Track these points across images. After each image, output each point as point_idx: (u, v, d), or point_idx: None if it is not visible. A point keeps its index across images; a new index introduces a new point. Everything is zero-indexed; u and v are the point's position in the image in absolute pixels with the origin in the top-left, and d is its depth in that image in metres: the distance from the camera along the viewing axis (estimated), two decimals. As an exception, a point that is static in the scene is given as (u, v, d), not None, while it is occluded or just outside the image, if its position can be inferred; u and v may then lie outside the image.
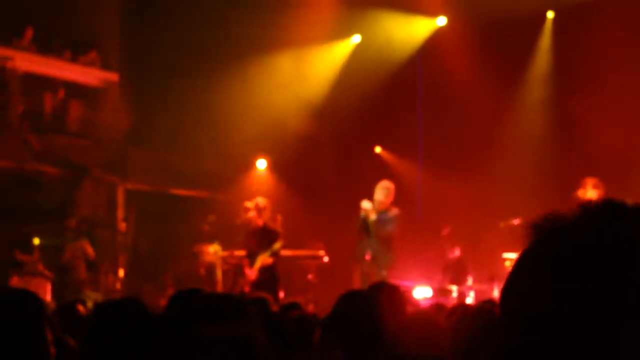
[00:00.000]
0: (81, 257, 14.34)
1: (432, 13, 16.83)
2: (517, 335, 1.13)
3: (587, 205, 1.15)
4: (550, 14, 16.46)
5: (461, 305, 4.08)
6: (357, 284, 11.92)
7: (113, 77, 16.57)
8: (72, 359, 3.92)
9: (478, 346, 3.03)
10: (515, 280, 1.17)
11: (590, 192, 10.63)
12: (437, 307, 4.71)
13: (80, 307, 5.92)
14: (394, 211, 11.55)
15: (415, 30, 17.10)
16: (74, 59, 16.29)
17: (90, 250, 14.43)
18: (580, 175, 10.98)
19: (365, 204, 11.42)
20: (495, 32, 15.81)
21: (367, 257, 11.37)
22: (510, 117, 16.15)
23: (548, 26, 16.52)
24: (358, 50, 17.28)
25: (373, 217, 11.40)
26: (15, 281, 12.92)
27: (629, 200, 1.13)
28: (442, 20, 16.97)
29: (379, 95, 17.10)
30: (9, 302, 3.22)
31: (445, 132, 16.80)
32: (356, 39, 17.40)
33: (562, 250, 1.12)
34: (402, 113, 17.36)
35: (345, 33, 17.30)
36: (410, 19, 16.84)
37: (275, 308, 5.84)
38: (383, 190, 11.54)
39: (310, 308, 12.85)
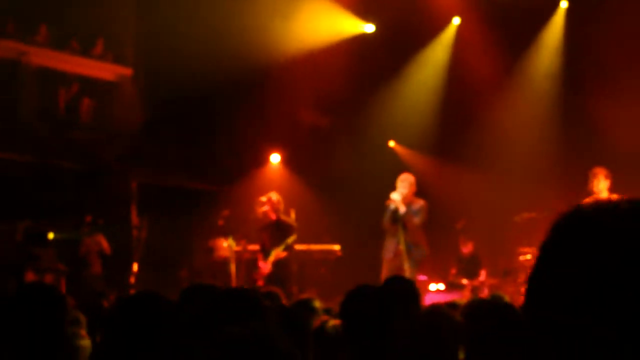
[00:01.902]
0: (97, 252, 14.42)
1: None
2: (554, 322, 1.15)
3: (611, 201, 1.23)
4: (563, 4, 16.36)
5: (476, 300, 4.07)
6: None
7: (126, 71, 16.61)
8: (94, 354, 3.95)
9: (493, 341, 3.02)
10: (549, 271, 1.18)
11: (602, 182, 10.59)
12: (450, 305, 4.69)
13: (105, 302, 5.96)
14: (420, 202, 11.44)
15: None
16: (86, 53, 16.33)
17: (106, 245, 14.52)
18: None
19: (395, 196, 11.28)
20: (508, 23, 15.75)
21: (399, 250, 11.26)
22: (525, 111, 16.08)
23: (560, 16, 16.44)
24: (371, 41, 17.14)
25: (403, 209, 11.25)
26: (30, 276, 12.96)
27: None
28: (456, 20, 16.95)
29: (393, 89, 17.09)
30: (31, 297, 3.24)
31: (460, 126, 16.76)
32: (369, 28, 17.25)
33: (594, 241, 1.15)
34: (416, 106, 17.31)
35: (357, 24, 17.20)
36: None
37: (286, 302, 5.84)
38: (405, 182, 11.42)
39: (324, 303, 12.84)
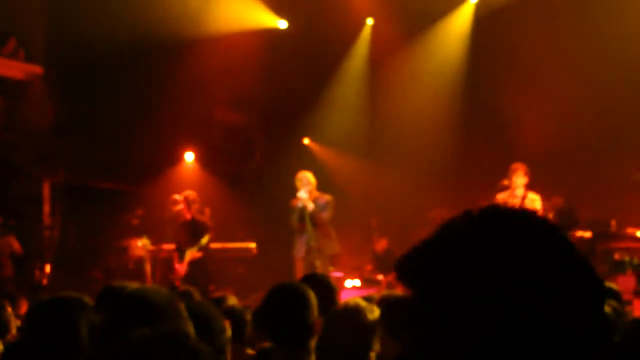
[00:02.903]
0: (8, 254, 14.09)
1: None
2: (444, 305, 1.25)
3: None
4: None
5: (388, 295, 4.15)
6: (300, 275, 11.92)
7: (37, 69, 16.31)
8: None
9: (404, 334, 3.09)
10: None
11: (521, 178, 10.82)
12: (366, 299, 4.77)
13: (9, 307, 5.78)
14: (326, 197, 11.61)
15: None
16: (-4, 52, 16.00)
17: (17, 246, 14.19)
18: (506, 164, 11.17)
19: (302, 194, 11.41)
20: (418, 18, 15.99)
21: (310, 247, 11.37)
22: (436, 107, 16.30)
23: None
24: (286, 38, 17.15)
25: (311, 206, 11.40)
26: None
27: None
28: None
29: (307, 86, 17.16)
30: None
31: (373, 123, 16.95)
32: (282, 24, 17.24)
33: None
34: (329, 104, 17.42)
35: (270, 19, 17.18)
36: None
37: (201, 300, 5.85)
38: (303, 180, 11.59)
39: (241, 301, 12.85)
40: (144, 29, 15.18)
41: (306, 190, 11.44)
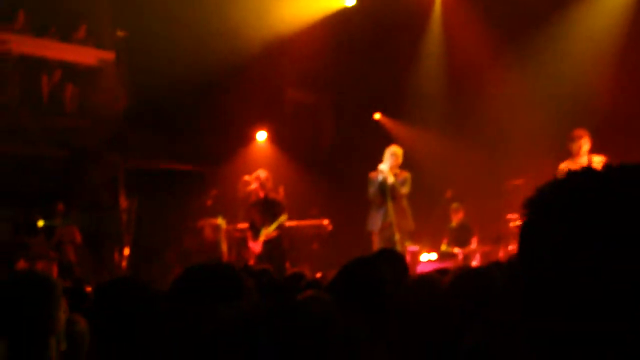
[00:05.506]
0: (70, 241, 14.21)
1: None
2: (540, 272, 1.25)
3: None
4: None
5: (463, 267, 4.09)
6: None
7: (108, 55, 16.51)
8: (82, 338, 3.95)
9: (479, 307, 3.03)
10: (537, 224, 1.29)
11: (585, 145, 10.59)
12: (441, 271, 4.72)
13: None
14: (405, 174, 11.48)
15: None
16: (67, 39, 16.21)
17: (77, 235, 14.26)
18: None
19: (383, 166, 11.30)
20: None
21: (387, 222, 11.27)
22: (508, 77, 16.05)
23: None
24: (352, 14, 17.04)
25: (391, 180, 11.28)
26: (21, 264, 12.94)
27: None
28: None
29: (376, 61, 17.04)
30: (23, 285, 3.25)
31: (446, 96, 16.77)
32: (350, 1, 17.14)
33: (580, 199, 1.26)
34: (400, 78, 17.28)
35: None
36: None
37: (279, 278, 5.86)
38: (393, 155, 11.46)
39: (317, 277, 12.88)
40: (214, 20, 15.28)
41: (388, 163, 11.32)
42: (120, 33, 14.89)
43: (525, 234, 1.31)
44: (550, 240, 1.25)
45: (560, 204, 1.26)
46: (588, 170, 1.29)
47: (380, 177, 11.30)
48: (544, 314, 1.25)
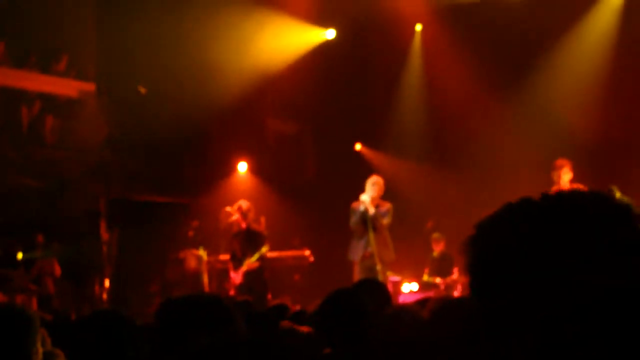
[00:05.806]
0: (48, 274, 14.04)
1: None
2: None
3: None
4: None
5: (443, 297, 4.11)
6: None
7: (89, 87, 16.49)
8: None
9: (459, 337, 3.03)
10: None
11: (566, 174, 10.73)
12: (422, 302, 4.72)
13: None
14: (387, 205, 11.52)
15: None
16: (47, 70, 16.21)
17: (57, 268, 14.11)
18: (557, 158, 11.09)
19: (365, 197, 11.33)
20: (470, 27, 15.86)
21: (368, 252, 11.28)
22: (489, 107, 16.12)
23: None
24: (333, 46, 17.13)
25: (372, 210, 11.31)
26: (0, 297, 12.81)
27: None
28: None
29: (357, 92, 17.11)
30: (0, 319, 3.22)
31: (427, 127, 16.84)
32: (330, 34, 17.23)
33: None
34: (381, 109, 17.35)
35: (317, 34, 17.19)
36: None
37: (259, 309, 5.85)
38: (375, 185, 11.49)
39: (298, 309, 12.84)
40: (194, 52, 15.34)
41: (369, 194, 11.35)
42: (142, 89, 14.75)
43: (472, 272, 1.40)
44: (494, 273, 1.34)
45: (497, 238, 1.35)
46: (525, 200, 1.41)
47: (361, 208, 11.33)
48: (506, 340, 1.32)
